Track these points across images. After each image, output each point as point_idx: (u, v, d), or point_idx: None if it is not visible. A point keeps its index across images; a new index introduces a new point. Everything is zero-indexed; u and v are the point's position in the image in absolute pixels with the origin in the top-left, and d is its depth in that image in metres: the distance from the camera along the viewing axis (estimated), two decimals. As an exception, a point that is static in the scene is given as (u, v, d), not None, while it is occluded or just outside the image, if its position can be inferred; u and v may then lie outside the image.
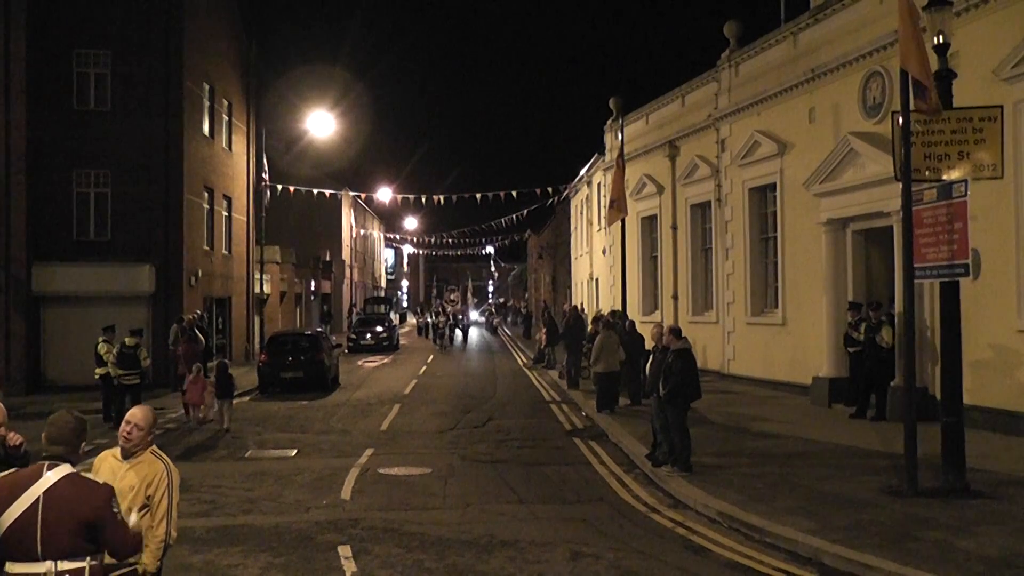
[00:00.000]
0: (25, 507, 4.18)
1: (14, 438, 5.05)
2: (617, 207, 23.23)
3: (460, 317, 53.67)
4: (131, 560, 4.80)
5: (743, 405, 18.82)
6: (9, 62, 24.11)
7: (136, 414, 5.19)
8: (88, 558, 4.31)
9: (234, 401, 18.96)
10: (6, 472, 4.46)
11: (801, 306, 20.17)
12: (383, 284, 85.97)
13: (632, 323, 20.93)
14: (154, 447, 5.34)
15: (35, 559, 4.18)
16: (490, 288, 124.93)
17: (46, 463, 4.35)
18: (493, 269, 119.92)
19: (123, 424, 5.18)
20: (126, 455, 5.15)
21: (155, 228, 25.59)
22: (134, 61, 25.58)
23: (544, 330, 31.94)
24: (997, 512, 9.56)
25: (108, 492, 4.46)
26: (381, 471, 13.14)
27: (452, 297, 68.71)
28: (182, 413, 19.49)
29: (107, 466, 5.16)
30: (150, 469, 5.14)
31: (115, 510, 4.45)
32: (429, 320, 53.62)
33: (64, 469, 4.36)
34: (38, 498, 4.20)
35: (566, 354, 24.17)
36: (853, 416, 16.46)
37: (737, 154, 22.75)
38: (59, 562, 4.20)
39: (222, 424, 17.60)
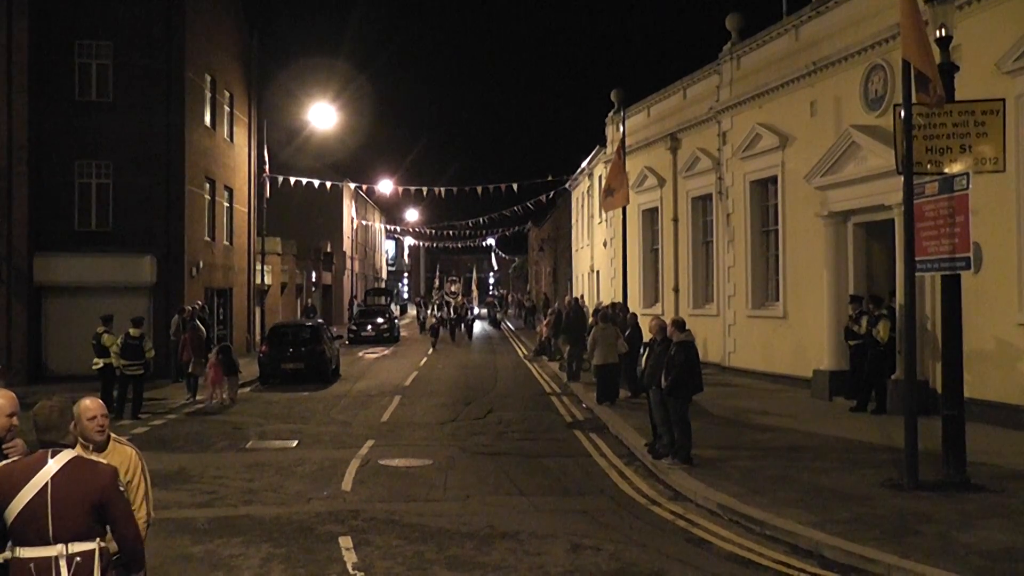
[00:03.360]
0: (33, 493, 4.27)
1: (16, 446, 4.99)
2: (621, 195, 23.40)
3: (466, 311, 48.11)
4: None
5: (744, 398, 18.84)
6: (11, 53, 24.08)
7: (96, 404, 5.07)
8: (98, 540, 4.40)
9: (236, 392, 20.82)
10: (9, 460, 4.51)
11: (802, 299, 20.17)
12: (384, 276, 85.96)
13: (634, 315, 20.94)
14: (111, 433, 5.32)
15: (47, 543, 4.28)
16: (491, 280, 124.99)
17: (49, 450, 4.40)
18: (494, 261, 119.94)
19: (90, 419, 5.07)
20: (100, 447, 5.08)
21: (156, 219, 25.60)
22: (136, 52, 25.55)
23: (546, 322, 31.93)
24: (998, 506, 9.57)
25: (113, 472, 4.53)
26: (382, 462, 13.17)
27: (453, 289, 67.20)
28: (184, 402, 20.23)
29: None
30: (122, 455, 5.12)
31: (121, 489, 4.54)
32: (427, 314, 47.43)
33: (67, 454, 4.42)
34: (46, 484, 4.29)
35: (567, 346, 24.19)
36: (854, 409, 16.47)
37: (738, 147, 22.72)
38: (70, 544, 4.30)
39: (229, 397, 20.03)
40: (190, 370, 20.71)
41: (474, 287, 76.48)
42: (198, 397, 20.35)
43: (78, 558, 4.30)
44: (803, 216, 19.91)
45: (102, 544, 4.42)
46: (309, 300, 44.20)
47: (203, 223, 28.52)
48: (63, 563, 4.27)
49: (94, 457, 4.68)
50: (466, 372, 27.38)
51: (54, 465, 4.34)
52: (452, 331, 44.17)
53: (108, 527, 4.48)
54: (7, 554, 4.30)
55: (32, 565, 4.25)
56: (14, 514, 4.25)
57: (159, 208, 25.63)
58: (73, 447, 4.55)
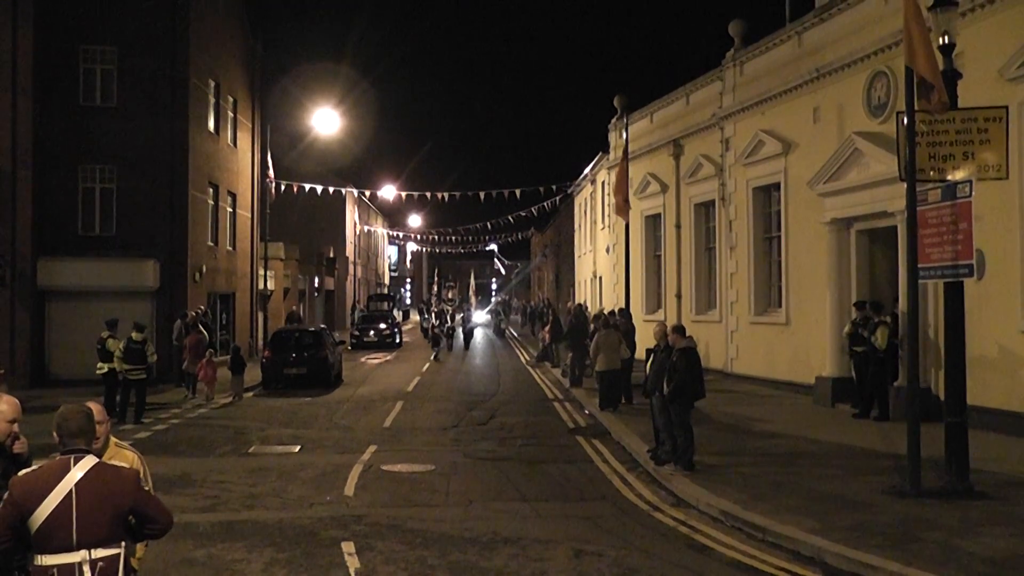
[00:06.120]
0: (58, 501, 4.25)
1: (20, 446, 5.00)
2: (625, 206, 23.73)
3: (464, 320, 45.90)
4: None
5: (746, 404, 18.83)
6: (16, 57, 24.13)
7: (95, 410, 4.97)
8: (122, 544, 4.41)
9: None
10: (29, 469, 4.50)
11: (804, 306, 20.16)
12: (386, 281, 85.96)
13: (628, 316, 21.04)
14: (114, 438, 5.33)
15: (69, 549, 4.26)
16: (493, 286, 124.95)
17: (72, 456, 4.39)
18: (497, 266, 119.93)
19: None
20: (96, 454, 5.07)
21: (160, 224, 25.65)
22: (140, 57, 25.63)
23: (547, 328, 31.88)
24: (1000, 513, 9.55)
25: (136, 475, 4.56)
26: (384, 468, 13.17)
27: (450, 296, 65.66)
28: (188, 405, 20.50)
29: None
30: (125, 458, 5.12)
31: (146, 488, 4.57)
32: (425, 324, 44.90)
33: (90, 460, 4.41)
34: (70, 491, 4.27)
35: (569, 352, 24.19)
36: (856, 416, 16.46)
37: (741, 153, 22.73)
38: (93, 550, 4.29)
39: (235, 394, 21.24)
40: (189, 369, 21.77)
41: (472, 294, 75.28)
42: (199, 398, 21.17)
43: (101, 563, 4.30)
44: (806, 222, 19.92)
45: (125, 548, 4.43)
46: (295, 306, 42.47)
47: (206, 228, 28.56)
48: (87, 568, 4.26)
49: (114, 461, 4.69)
50: (468, 378, 27.38)
51: (77, 472, 4.32)
52: (449, 339, 43.38)
53: (139, 526, 4.51)
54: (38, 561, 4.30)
55: (55, 571, 4.24)
56: (39, 522, 4.23)
57: (162, 213, 25.69)
58: (96, 454, 4.55)
